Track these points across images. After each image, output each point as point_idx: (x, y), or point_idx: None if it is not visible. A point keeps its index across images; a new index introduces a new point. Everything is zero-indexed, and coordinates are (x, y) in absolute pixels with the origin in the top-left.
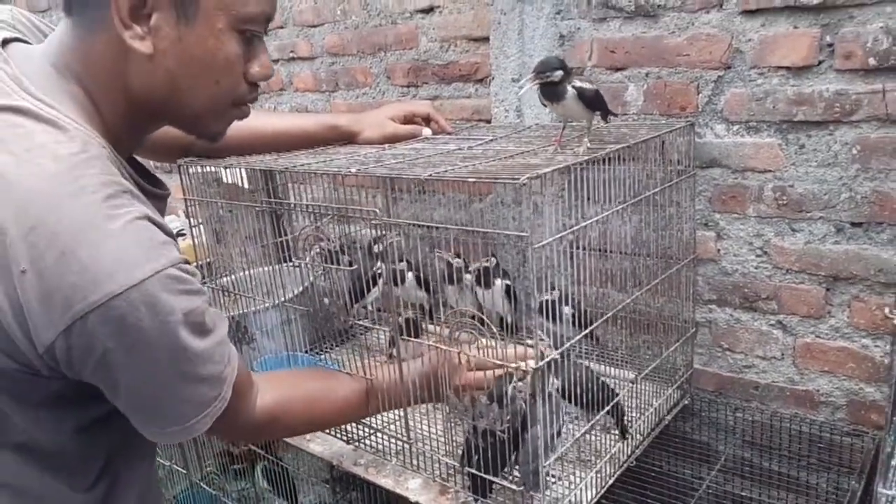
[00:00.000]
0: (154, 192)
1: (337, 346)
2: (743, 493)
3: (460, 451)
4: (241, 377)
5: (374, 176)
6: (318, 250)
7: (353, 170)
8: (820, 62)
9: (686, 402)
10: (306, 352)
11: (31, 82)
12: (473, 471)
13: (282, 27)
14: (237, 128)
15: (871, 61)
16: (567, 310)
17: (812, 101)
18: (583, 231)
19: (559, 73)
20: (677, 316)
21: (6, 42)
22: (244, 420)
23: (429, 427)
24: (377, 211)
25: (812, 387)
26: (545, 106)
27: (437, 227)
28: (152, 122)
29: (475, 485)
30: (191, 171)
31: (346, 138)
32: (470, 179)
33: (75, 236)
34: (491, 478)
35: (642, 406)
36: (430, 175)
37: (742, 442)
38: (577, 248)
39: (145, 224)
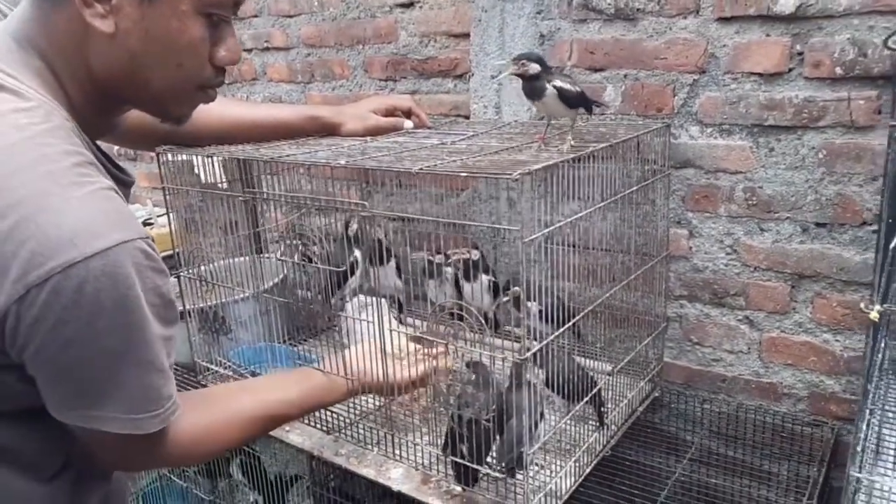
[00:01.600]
0: (119, 178)
1: (313, 336)
2: (709, 482)
3: (442, 440)
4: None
5: (364, 168)
6: (296, 246)
7: (343, 161)
8: (790, 70)
9: (656, 394)
10: (284, 342)
11: None
12: (458, 460)
13: (256, 16)
14: (217, 117)
15: (838, 70)
16: (533, 306)
17: (782, 107)
18: (565, 227)
19: (535, 66)
20: (650, 311)
21: None
22: (174, 439)
23: (411, 416)
24: (365, 203)
25: (776, 379)
26: (528, 102)
27: (426, 220)
28: (117, 104)
29: (460, 474)
30: (168, 158)
31: (327, 130)
32: (462, 174)
33: (36, 202)
34: (476, 466)
35: (616, 398)
36: (421, 169)
37: (709, 432)
38: (560, 243)
39: (112, 195)
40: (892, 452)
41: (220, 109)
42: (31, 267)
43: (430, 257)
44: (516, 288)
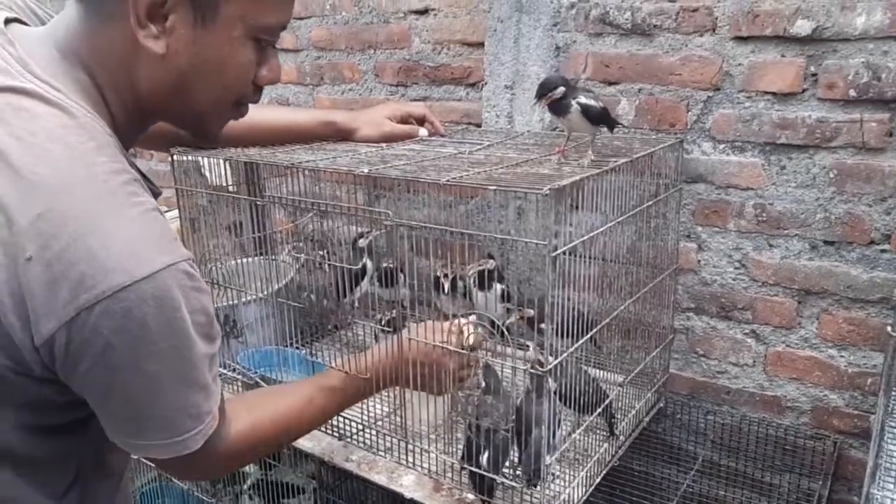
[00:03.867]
0: (151, 190)
1: (318, 339)
2: (714, 493)
3: (460, 449)
4: (222, 400)
5: (390, 177)
6: (312, 248)
7: (365, 170)
8: (804, 90)
9: (661, 404)
10: (294, 346)
11: (36, 64)
12: (479, 470)
13: None
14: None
15: (852, 93)
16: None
17: (795, 126)
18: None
19: (561, 89)
20: (658, 322)
21: (7, 22)
22: (227, 446)
23: (421, 424)
24: (389, 213)
25: (780, 393)
26: (555, 120)
27: (450, 231)
28: (153, 119)
29: (481, 485)
30: (179, 159)
31: (342, 135)
32: (490, 187)
33: (86, 224)
34: (495, 476)
35: (625, 408)
36: (449, 181)
37: (712, 444)
38: (577, 255)
39: (157, 216)
40: None
41: None
42: (82, 290)
43: (445, 272)
44: (529, 310)
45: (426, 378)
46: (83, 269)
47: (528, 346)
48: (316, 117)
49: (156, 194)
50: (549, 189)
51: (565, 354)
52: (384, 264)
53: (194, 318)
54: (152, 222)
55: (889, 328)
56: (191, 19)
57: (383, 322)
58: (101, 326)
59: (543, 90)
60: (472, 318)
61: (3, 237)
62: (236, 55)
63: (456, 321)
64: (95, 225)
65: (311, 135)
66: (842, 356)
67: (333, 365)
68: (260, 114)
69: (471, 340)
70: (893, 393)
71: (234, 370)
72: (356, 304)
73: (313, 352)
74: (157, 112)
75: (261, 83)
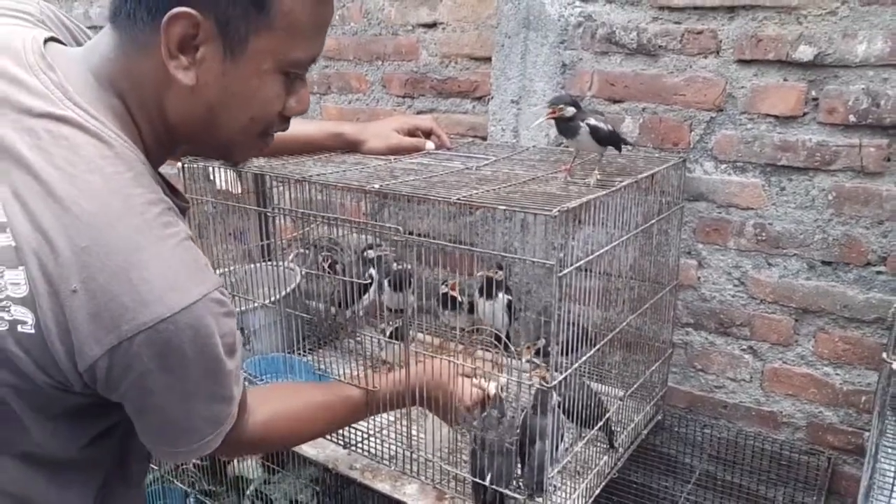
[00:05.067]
0: (180, 206)
1: (323, 347)
2: None
3: (465, 461)
4: (243, 393)
5: (402, 193)
6: (322, 255)
7: (377, 185)
8: (805, 114)
9: (659, 417)
10: (301, 353)
11: (75, 90)
12: (486, 484)
13: None
14: None
15: (851, 118)
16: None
17: (795, 149)
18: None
19: (571, 109)
20: (658, 337)
21: (45, 41)
22: (243, 437)
23: (425, 434)
24: (400, 228)
25: (776, 408)
26: (562, 140)
27: (457, 247)
28: (181, 146)
29: (487, 499)
30: (189, 166)
31: (349, 147)
32: (500, 207)
33: (127, 257)
34: (502, 490)
35: (624, 421)
36: (459, 199)
37: (708, 457)
38: (582, 270)
39: (190, 245)
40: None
41: None
42: (123, 321)
43: (451, 286)
44: (540, 341)
45: (439, 407)
46: (125, 301)
47: (534, 362)
48: (324, 129)
49: (183, 210)
50: (558, 211)
51: (570, 370)
52: (396, 267)
53: (224, 340)
54: (187, 252)
55: (884, 354)
56: (220, 52)
57: (388, 333)
58: (142, 354)
59: (556, 101)
60: (501, 380)
61: (50, 268)
62: (264, 88)
63: (478, 381)
64: (135, 258)
65: (320, 146)
66: (837, 374)
67: (343, 378)
68: None
69: (491, 392)
70: (887, 414)
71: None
72: (361, 314)
73: (318, 359)
74: (184, 140)
75: (289, 114)
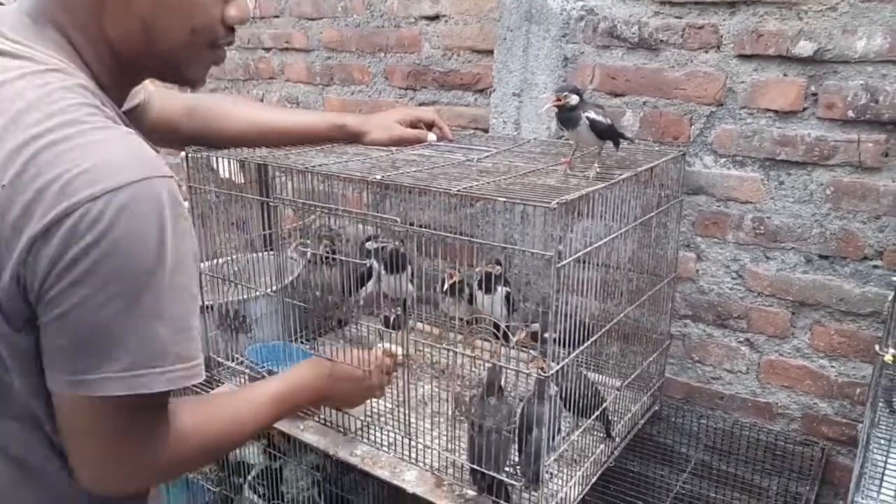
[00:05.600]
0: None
1: (322, 335)
2: (702, 494)
3: (463, 449)
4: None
5: (402, 185)
6: (324, 244)
7: (379, 176)
8: (804, 109)
9: (656, 408)
10: (298, 340)
11: (7, 28)
12: (482, 469)
13: (277, 16)
14: (245, 121)
15: (850, 113)
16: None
17: (794, 143)
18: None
19: (575, 97)
20: (655, 328)
21: None
22: (170, 440)
23: (423, 421)
24: (397, 220)
25: (772, 399)
26: (562, 131)
27: (457, 238)
28: (134, 74)
29: (487, 484)
30: (193, 156)
31: (352, 138)
32: (500, 199)
33: (69, 139)
34: (496, 475)
35: (621, 411)
36: (460, 191)
37: (704, 447)
38: (580, 261)
39: (138, 138)
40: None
41: (247, 113)
42: (54, 202)
43: (451, 274)
44: (535, 325)
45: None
46: (54, 179)
47: (525, 348)
48: (327, 120)
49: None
50: (557, 203)
51: (567, 360)
52: (392, 246)
53: (175, 242)
54: (132, 138)
55: (876, 346)
56: None
57: (388, 320)
58: (77, 233)
59: (561, 90)
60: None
61: None
62: None
63: (376, 349)
64: (78, 139)
65: (322, 137)
66: (832, 366)
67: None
68: (271, 115)
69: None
70: (880, 405)
71: (241, 363)
72: (361, 304)
73: (316, 347)
74: (134, 65)
75: (230, 22)
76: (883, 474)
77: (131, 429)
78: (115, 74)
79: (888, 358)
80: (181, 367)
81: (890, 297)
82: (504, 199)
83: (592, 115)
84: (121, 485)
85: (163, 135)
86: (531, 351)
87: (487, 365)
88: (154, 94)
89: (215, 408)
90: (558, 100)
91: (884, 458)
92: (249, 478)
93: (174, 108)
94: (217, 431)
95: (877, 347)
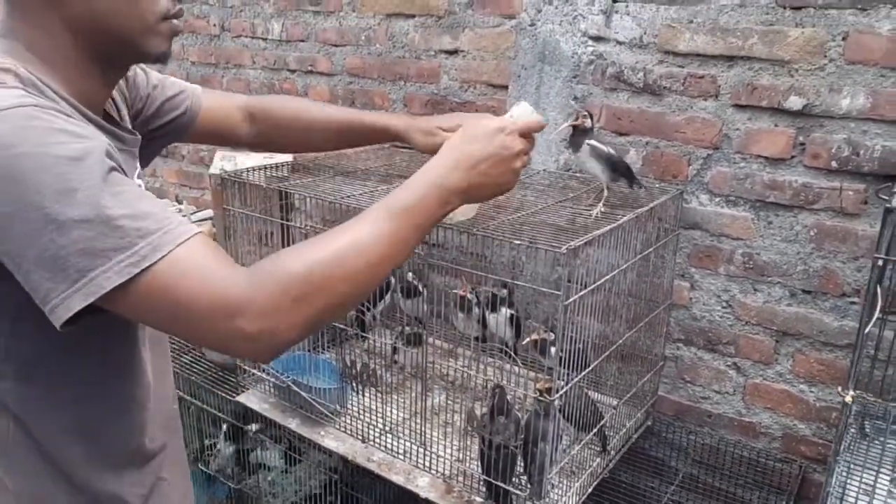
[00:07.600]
0: (118, 134)
1: (342, 344)
2: None
3: (472, 458)
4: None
5: None
6: None
7: None
8: (792, 157)
9: (649, 423)
10: (322, 351)
11: None
12: (494, 481)
13: (303, 41)
14: (292, 115)
15: (834, 164)
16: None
17: (783, 188)
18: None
19: (589, 121)
20: (651, 350)
21: None
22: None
23: (436, 430)
24: (420, 252)
25: (755, 419)
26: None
27: (466, 270)
28: (107, 66)
29: (496, 494)
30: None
31: (397, 140)
32: (514, 241)
33: None
34: (505, 486)
35: (617, 426)
36: (477, 231)
37: (692, 461)
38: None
39: (29, 95)
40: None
41: (295, 107)
42: None
43: (465, 293)
44: (547, 333)
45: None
46: None
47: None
48: (373, 120)
49: (129, 142)
50: (567, 249)
51: (572, 383)
52: (410, 278)
53: (66, 144)
54: (14, 91)
55: (839, 388)
56: None
57: (404, 335)
58: None
59: (580, 110)
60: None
61: None
62: None
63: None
64: None
65: (369, 136)
66: (811, 391)
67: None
68: (318, 110)
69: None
70: (852, 431)
71: (267, 372)
72: (378, 317)
73: (336, 356)
74: (98, 54)
75: None
76: (843, 494)
77: (179, 303)
78: (88, 73)
79: (848, 399)
80: (129, 256)
81: (856, 344)
82: (519, 243)
83: (594, 142)
84: (239, 349)
85: (216, 134)
86: (538, 374)
87: (498, 382)
88: (201, 96)
89: (299, 245)
90: (577, 119)
91: (845, 479)
92: (269, 478)
93: (228, 110)
94: (306, 264)
95: (839, 389)
